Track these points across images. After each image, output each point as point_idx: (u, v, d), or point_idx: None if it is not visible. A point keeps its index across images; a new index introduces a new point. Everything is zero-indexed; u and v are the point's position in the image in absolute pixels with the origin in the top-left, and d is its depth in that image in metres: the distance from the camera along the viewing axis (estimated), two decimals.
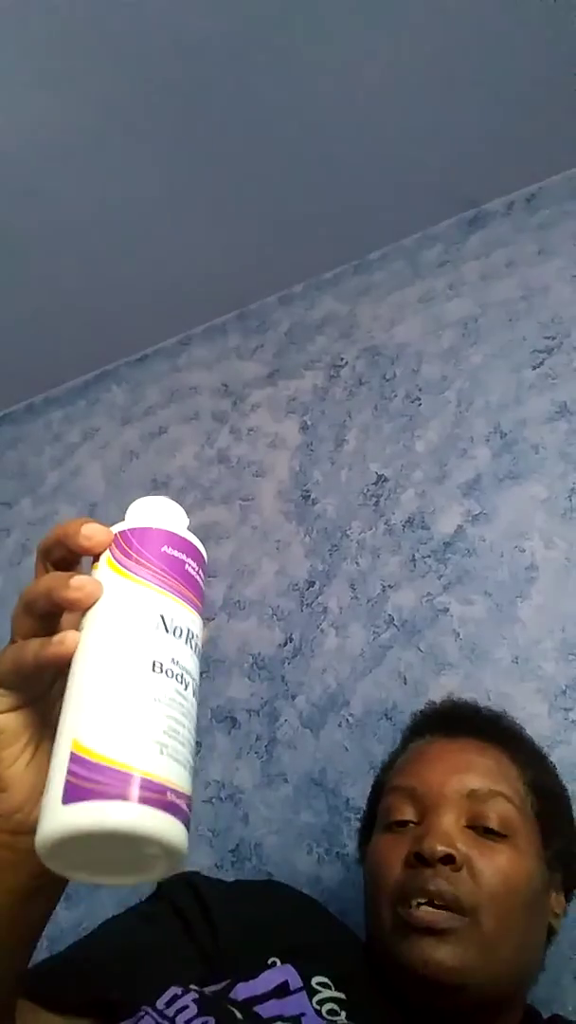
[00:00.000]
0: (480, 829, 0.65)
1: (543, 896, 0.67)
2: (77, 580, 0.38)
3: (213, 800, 1.12)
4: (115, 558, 0.39)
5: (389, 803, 0.70)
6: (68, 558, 0.41)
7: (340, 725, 1.10)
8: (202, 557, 0.42)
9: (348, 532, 1.24)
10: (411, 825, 0.67)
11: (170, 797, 0.34)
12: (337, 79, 1.20)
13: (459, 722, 0.77)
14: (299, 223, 1.42)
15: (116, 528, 0.41)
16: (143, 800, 0.33)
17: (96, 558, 0.41)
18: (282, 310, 1.54)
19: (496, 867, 0.63)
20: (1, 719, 0.39)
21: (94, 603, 0.38)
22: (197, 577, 0.41)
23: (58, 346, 1.67)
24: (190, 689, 0.37)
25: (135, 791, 0.33)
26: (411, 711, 1.04)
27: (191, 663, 0.38)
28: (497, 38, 1.16)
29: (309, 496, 1.31)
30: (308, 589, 1.22)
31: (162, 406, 1.59)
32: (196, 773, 0.38)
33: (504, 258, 1.33)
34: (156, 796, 0.33)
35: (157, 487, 1.49)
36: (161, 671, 0.36)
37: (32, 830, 0.37)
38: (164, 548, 0.40)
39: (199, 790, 1.13)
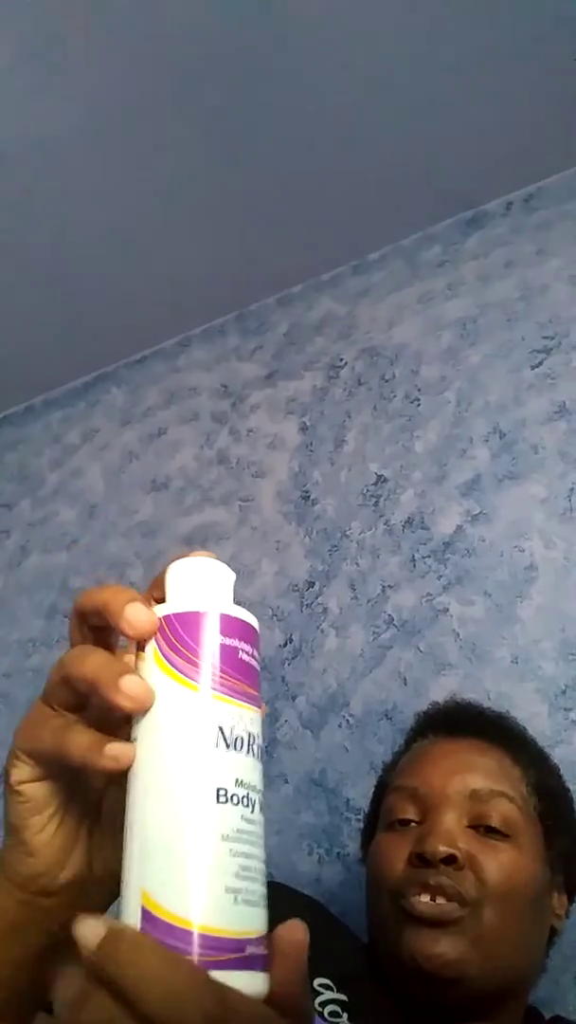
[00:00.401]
0: (482, 829, 0.65)
1: (545, 896, 0.67)
2: (129, 684, 0.33)
3: None
4: (163, 653, 0.34)
5: (392, 802, 0.70)
6: (107, 628, 0.37)
7: (340, 725, 1.10)
8: (255, 634, 0.37)
9: (348, 532, 1.24)
10: (413, 824, 0.67)
11: (248, 951, 0.30)
12: (335, 80, 1.20)
13: (462, 722, 0.77)
14: (297, 224, 1.42)
15: (161, 611, 0.36)
16: (219, 965, 0.29)
17: (140, 645, 0.36)
18: (281, 311, 1.54)
19: (498, 865, 0.63)
20: (29, 788, 0.37)
21: (145, 711, 0.34)
22: (252, 662, 0.36)
23: (57, 348, 1.67)
24: (257, 807, 0.33)
25: (209, 954, 0.29)
26: (411, 711, 1.05)
27: (255, 775, 0.34)
28: (494, 39, 1.16)
29: (309, 497, 1.31)
30: (308, 590, 1.22)
31: (161, 407, 1.59)
32: None
33: (503, 258, 1.33)
34: (234, 957, 0.29)
35: (157, 488, 1.49)
36: (227, 799, 0.32)
37: (55, 893, 0.37)
38: (215, 638, 0.35)
39: None
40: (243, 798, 0.32)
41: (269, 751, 1.12)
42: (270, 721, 1.15)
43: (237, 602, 0.38)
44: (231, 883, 0.30)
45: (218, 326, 1.61)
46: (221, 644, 0.35)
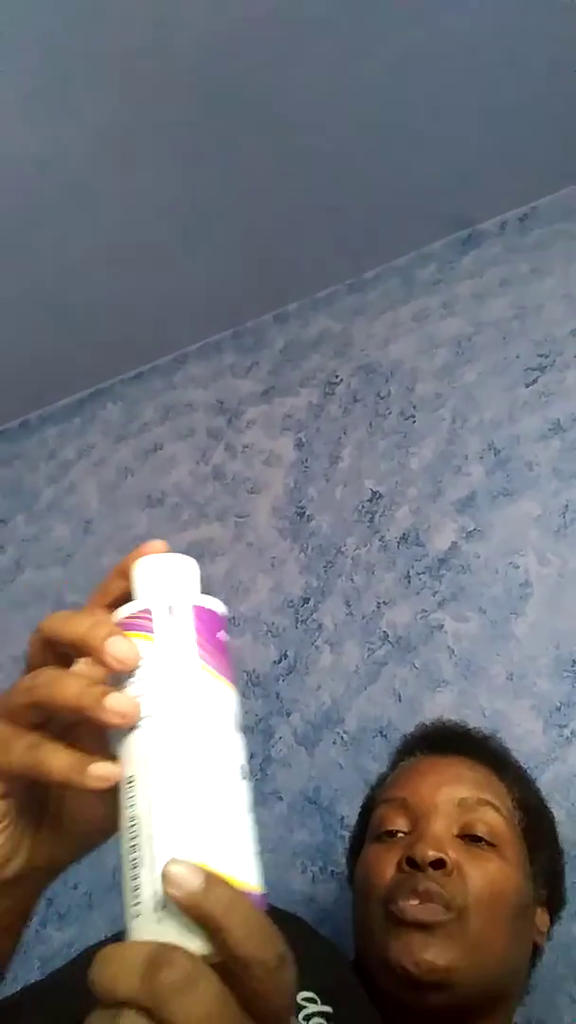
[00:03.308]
0: (469, 838, 0.66)
1: (528, 908, 0.68)
2: (115, 702, 0.34)
3: None
4: (200, 647, 0.37)
5: (380, 814, 0.71)
6: (76, 656, 0.37)
7: (335, 742, 1.09)
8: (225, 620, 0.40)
9: (343, 549, 1.24)
10: (401, 835, 0.68)
11: (264, 904, 0.34)
12: (331, 99, 1.22)
13: (448, 741, 0.78)
14: (294, 242, 1.43)
15: (190, 601, 0.38)
16: None
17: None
18: (277, 328, 1.55)
19: (484, 873, 0.64)
20: None
21: (133, 721, 0.35)
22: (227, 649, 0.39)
23: (53, 363, 1.67)
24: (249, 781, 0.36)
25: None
26: (406, 728, 1.04)
27: (244, 751, 0.37)
28: (490, 59, 1.18)
29: (304, 513, 1.31)
30: (303, 606, 1.22)
31: (157, 423, 1.59)
32: None
33: (497, 277, 1.34)
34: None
35: (152, 504, 1.49)
36: (246, 777, 0.35)
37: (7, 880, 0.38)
38: (219, 635, 0.38)
39: None
40: (248, 774, 0.36)
41: (263, 768, 1.12)
42: (264, 738, 1.14)
43: (231, 617, 0.41)
44: (255, 848, 0.34)
45: (214, 343, 1.61)
46: (219, 639, 0.38)
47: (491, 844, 0.66)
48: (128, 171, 1.30)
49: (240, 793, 0.35)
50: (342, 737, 1.09)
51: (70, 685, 0.35)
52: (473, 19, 1.12)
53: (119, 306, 1.54)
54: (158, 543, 0.41)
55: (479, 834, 0.66)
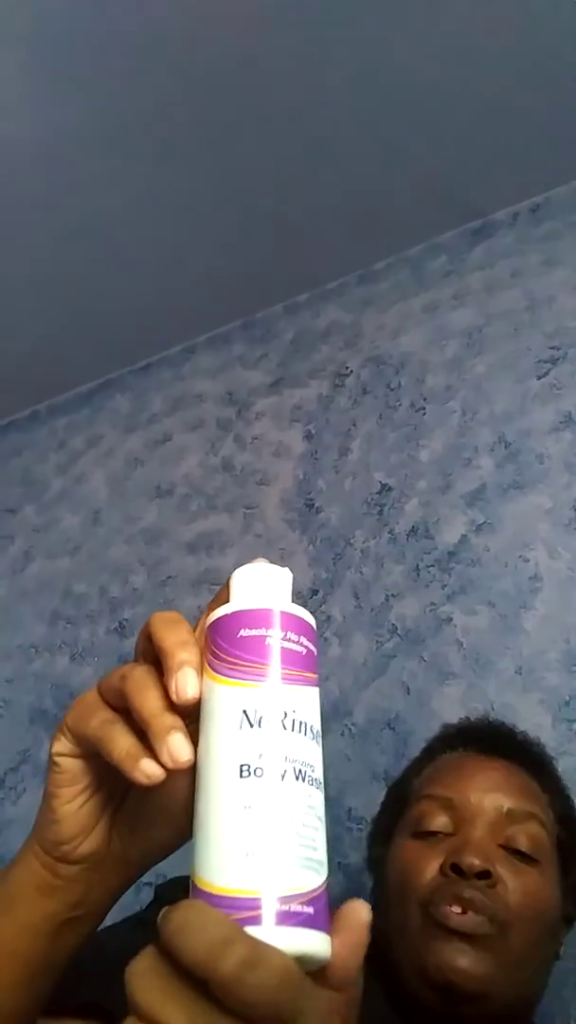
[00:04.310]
0: (512, 850, 0.65)
1: (558, 924, 0.67)
2: (147, 766, 0.36)
3: None
4: (207, 661, 0.38)
5: (422, 810, 0.69)
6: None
7: (343, 734, 1.09)
8: (291, 622, 0.39)
9: (352, 541, 1.24)
10: (441, 835, 0.67)
11: (268, 909, 0.31)
12: (342, 89, 1.21)
13: (495, 742, 0.76)
14: (304, 233, 1.42)
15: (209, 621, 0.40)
16: (243, 922, 0.31)
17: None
18: (287, 319, 1.54)
19: (526, 890, 0.63)
20: (65, 761, 0.41)
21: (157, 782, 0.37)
22: (283, 646, 0.38)
23: (63, 354, 1.67)
24: (287, 776, 0.35)
25: (234, 913, 0.31)
26: (414, 721, 1.05)
27: (284, 746, 0.36)
28: (500, 50, 1.17)
29: (313, 505, 1.31)
30: (312, 598, 1.22)
31: (166, 414, 1.59)
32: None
33: (509, 269, 1.33)
34: (248, 915, 0.31)
35: (161, 495, 1.49)
36: (250, 774, 0.34)
37: (76, 862, 0.41)
38: (240, 633, 0.38)
39: None
40: (268, 769, 0.35)
41: None
42: None
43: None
44: (251, 847, 0.33)
45: (224, 334, 1.61)
46: (245, 636, 0.38)
47: (533, 859, 0.65)
48: (137, 160, 1.30)
49: (233, 792, 0.34)
50: (350, 729, 1.09)
51: (151, 700, 0.37)
52: (484, 10, 1.11)
53: (128, 296, 1.54)
54: (261, 560, 0.43)
55: (522, 848, 0.65)
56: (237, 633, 0.38)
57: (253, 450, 1.44)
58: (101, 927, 0.67)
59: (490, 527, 1.14)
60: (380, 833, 0.76)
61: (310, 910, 0.32)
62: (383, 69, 1.18)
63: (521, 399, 1.21)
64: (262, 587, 0.41)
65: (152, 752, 0.36)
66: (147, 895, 0.70)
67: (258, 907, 0.31)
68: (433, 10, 1.12)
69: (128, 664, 0.40)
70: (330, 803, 1.04)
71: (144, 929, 0.64)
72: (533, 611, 1.05)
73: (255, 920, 0.31)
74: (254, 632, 0.38)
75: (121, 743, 0.37)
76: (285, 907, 0.31)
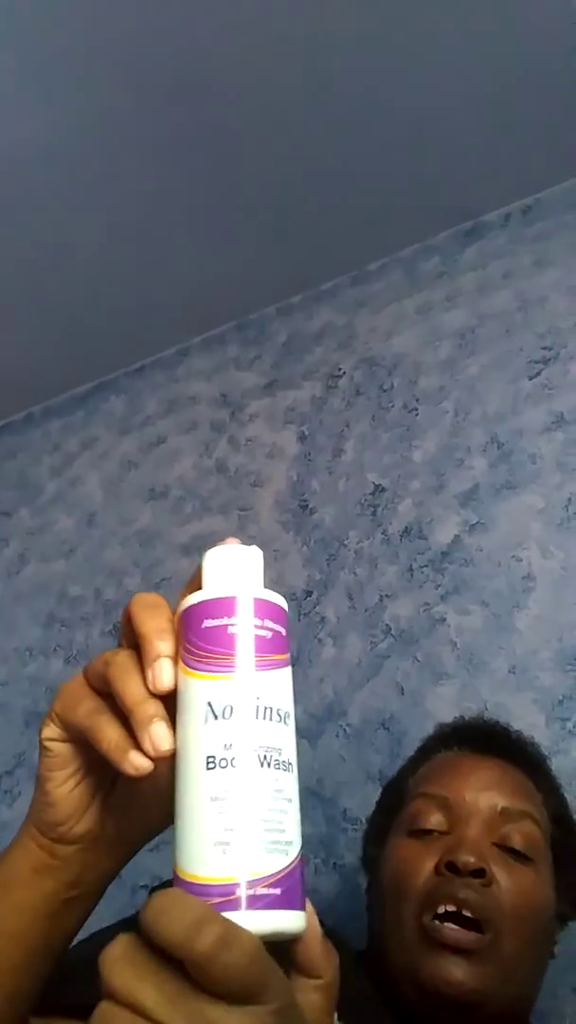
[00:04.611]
0: (506, 849, 0.65)
1: (552, 923, 0.68)
2: (135, 759, 0.37)
3: None
4: (180, 652, 0.39)
5: (417, 809, 0.69)
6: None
7: (337, 735, 1.10)
8: (255, 606, 0.40)
9: (346, 542, 1.24)
10: (436, 834, 0.67)
11: (239, 893, 0.33)
12: (335, 91, 1.21)
13: (489, 740, 0.76)
14: (297, 234, 1.43)
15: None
16: (219, 907, 0.33)
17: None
18: (280, 321, 1.54)
19: (520, 889, 0.63)
20: (55, 746, 0.42)
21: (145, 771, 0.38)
22: (246, 633, 0.39)
23: (57, 356, 1.67)
24: (251, 764, 0.36)
25: (208, 900, 0.33)
26: (409, 721, 1.05)
27: (249, 735, 0.36)
28: (492, 51, 1.17)
29: (307, 506, 1.31)
30: (306, 599, 1.22)
31: (160, 416, 1.59)
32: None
33: (501, 270, 1.34)
34: (223, 900, 0.33)
35: (155, 497, 1.49)
36: (216, 765, 0.36)
37: (71, 842, 0.42)
38: (204, 623, 0.39)
39: None
40: (233, 759, 0.36)
41: None
42: None
43: None
44: (220, 837, 0.34)
45: (217, 335, 1.61)
46: (208, 627, 0.38)
47: (527, 858, 0.65)
48: (131, 162, 1.30)
49: (201, 783, 0.35)
50: (345, 730, 1.09)
51: (133, 687, 0.38)
52: (477, 10, 1.12)
53: (122, 299, 1.54)
54: (231, 539, 0.44)
55: (516, 847, 0.65)
56: (201, 624, 0.39)
57: (247, 452, 1.44)
58: (96, 929, 0.67)
59: (483, 527, 1.14)
60: (375, 832, 0.77)
61: (277, 891, 0.34)
62: (377, 72, 1.19)
63: (513, 399, 1.21)
64: (228, 571, 0.42)
65: (137, 742, 0.37)
66: (142, 897, 0.70)
67: (230, 893, 0.33)
68: (426, 13, 1.12)
69: (111, 650, 0.41)
70: (325, 804, 1.05)
71: (129, 928, 0.64)
72: (526, 611, 1.06)
73: (227, 905, 0.33)
74: (216, 622, 0.39)
75: (109, 734, 0.38)
76: (252, 891, 0.33)
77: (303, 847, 0.36)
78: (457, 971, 0.59)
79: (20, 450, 1.75)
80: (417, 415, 1.29)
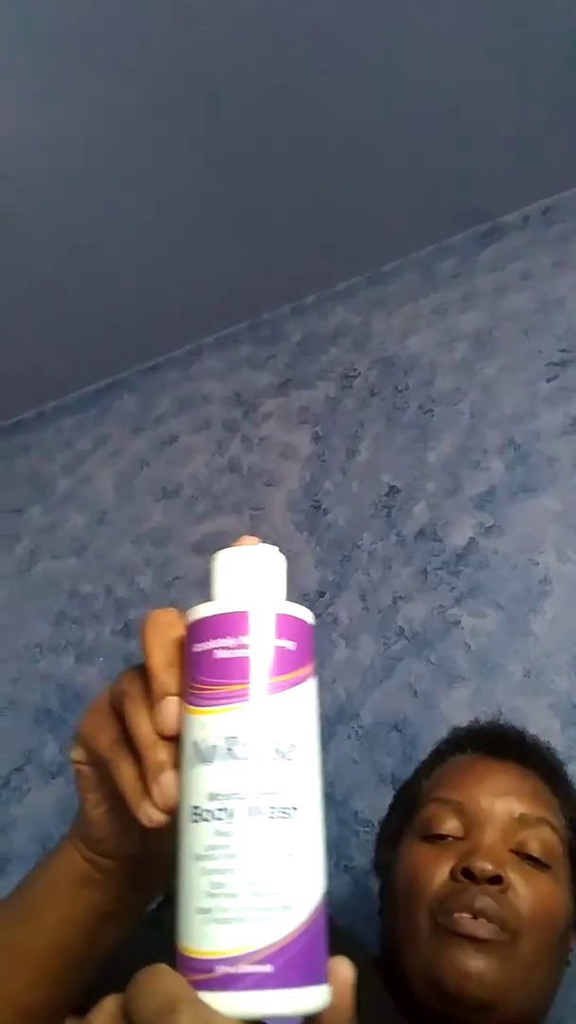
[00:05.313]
0: (523, 856, 0.65)
1: (570, 930, 0.67)
2: (150, 811, 0.34)
3: None
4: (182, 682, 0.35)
5: (432, 813, 0.68)
6: None
7: (349, 737, 1.09)
8: (230, 620, 0.34)
9: (359, 543, 1.23)
10: (451, 839, 0.66)
11: (219, 971, 0.29)
12: (351, 90, 1.21)
13: (505, 745, 0.76)
14: (313, 234, 1.42)
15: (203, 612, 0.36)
16: (197, 985, 0.29)
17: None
18: (295, 320, 1.54)
19: (538, 896, 0.63)
20: (83, 768, 0.40)
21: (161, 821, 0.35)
22: (231, 654, 0.33)
23: (70, 354, 1.67)
24: (237, 815, 0.31)
25: (189, 975, 0.30)
26: (421, 724, 1.04)
27: (234, 780, 0.31)
28: (512, 49, 1.16)
29: (320, 506, 1.30)
30: (318, 599, 1.21)
31: (173, 415, 1.59)
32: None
33: (519, 271, 1.33)
34: (205, 978, 0.29)
35: (167, 495, 1.49)
36: (200, 818, 0.31)
37: (115, 858, 0.41)
38: (193, 648, 0.34)
39: None
40: (216, 811, 0.31)
41: None
42: None
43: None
44: (201, 903, 0.30)
45: (231, 334, 1.61)
46: (195, 652, 0.34)
47: (544, 865, 0.65)
48: (143, 160, 1.30)
49: (187, 839, 0.31)
50: (357, 732, 1.09)
51: (143, 727, 0.36)
52: (494, 10, 1.11)
53: (135, 296, 1.54)
54: (250, 538, 0.40)
55: (534, 854, 0.65)
56: (192, 647, 0.34)
57: (260, 451, 1.43)
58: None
59: (499, 530, 1.13)
60: (388, 836, 0.76)
61: (267, 968, 0.29)
62: (393, 69, 1.18)
63: (531, 401, 1.20)
64: (237, 581, 0.36)
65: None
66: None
67: (208, 969, 0.29)
68: (442, 9, 1.11)
69: (130, 674, 0.38)
70: (336, 806, 1.04)
71: (157, 929, 0.64)
72: (542, 614, 1.04)
73: (207, 984, 0.29)
74: (205, 645, 0.33)
75: (126, 772, 0.36)
76: (232, 969, 0.29)
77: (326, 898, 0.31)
78: (475, 963, 0.59)
79: (32, 447, 1.75)
80: (433, 416, 1.28)
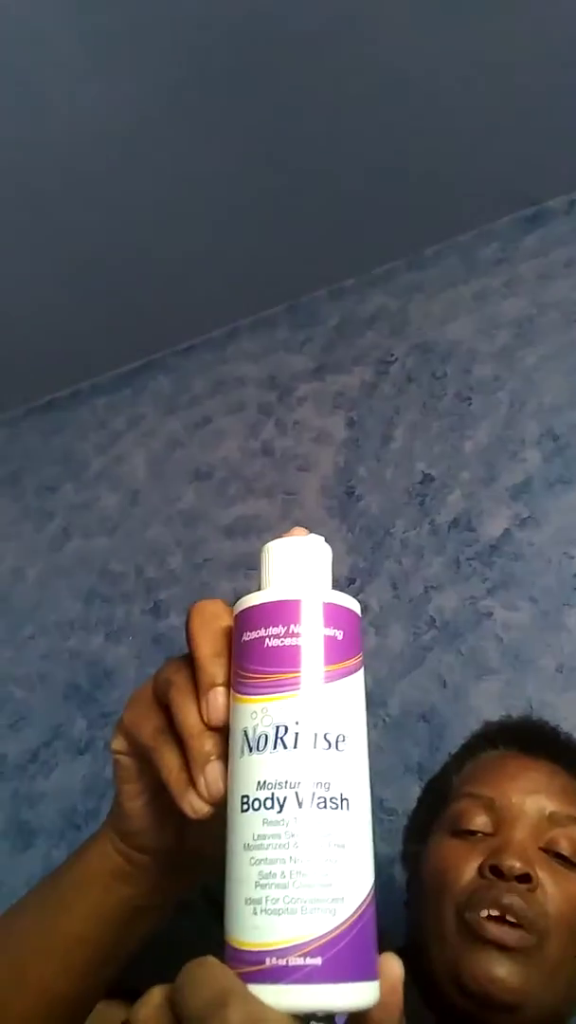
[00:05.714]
0: (553, 854, 0.64)
1: None
2: (194, 801, 0.34)
3: None
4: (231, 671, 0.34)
5: (462, 809, 0.68)
6: None
7: (376, 725, 1.08)
8: (282, 608, 0.33)
9: (392, 531, 1.22)
10: (480, 835, 0.66)
11: (268, 963, 0.28)
12: (396, 74, 1.18)
13: (538, 741, 0.75)
14: (351, 216, 1.40)
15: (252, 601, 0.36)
16: (245, 978, 0.28)
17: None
18: (332, 304, 1.52)
19: (567, 895, 0.62)
20: (122, 759, 0.40)
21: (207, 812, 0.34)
22: (283, 643, 0.32)
23: (105, 334, 1.67)
24: (288, 804, 0.30)
25: (237, 967, 0.29)
26: (450, 715, 1.03)
27: (285, 769, 0.31)
28: (558, 32, 1.13)
29: (353, 492, 1.30)
30: (349, 586, 1.21)
31: (207, 397, 1.59)
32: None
33: (563, 257, 1.30)
34: (254, 970, 0.28)
35: (200, 477, 1.49)
36: (249, 807, 0.31)
37: (148, 852, 0.40)
38: (243, 637, 0.34)
39: None
40: (267, 800, 0.30)
41: None
42: None
43: None
44: (251, 894, 0.30)
45: (268, 317, 1.60)
46: (246, 641, 0.34)
47: (574, 864, 0.64)
48: (184, 140, 1.29)
49: (236, 828, 0.31)
50: (384, 720, 1.08)
51: (191, 718, 0.35)
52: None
53: (172, 278, 1.53)
54: (299, 529, 0.39)
55: (564, 852, 0.64)
56: (241, 636, 0.34)
57: (294, 435, 1.42)
58: None
59: (534, 522, 1.11)
60: (416, 828, 0.76)
61: (316, 961, 0.28)
62: (440, 52, 1.16)
63: (571, 392, 1.18)
64: (287, 571, 0.36)
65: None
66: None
67: (259, 961, 0.28)
68: (494, 2, 1.09)
69: (175, 664, 0.38)
70: None
71: (187, 912, 0.64)
72: None
73: (257, 976, 0.28)
74: (254, 634, 0.33)
75: (170, 762, 0.35)
76: (282, 961, 0.28)
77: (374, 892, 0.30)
78: (500, 969, 0.58)
79: (67, 426, 1.76)
80: (470, 404, 1.26)
